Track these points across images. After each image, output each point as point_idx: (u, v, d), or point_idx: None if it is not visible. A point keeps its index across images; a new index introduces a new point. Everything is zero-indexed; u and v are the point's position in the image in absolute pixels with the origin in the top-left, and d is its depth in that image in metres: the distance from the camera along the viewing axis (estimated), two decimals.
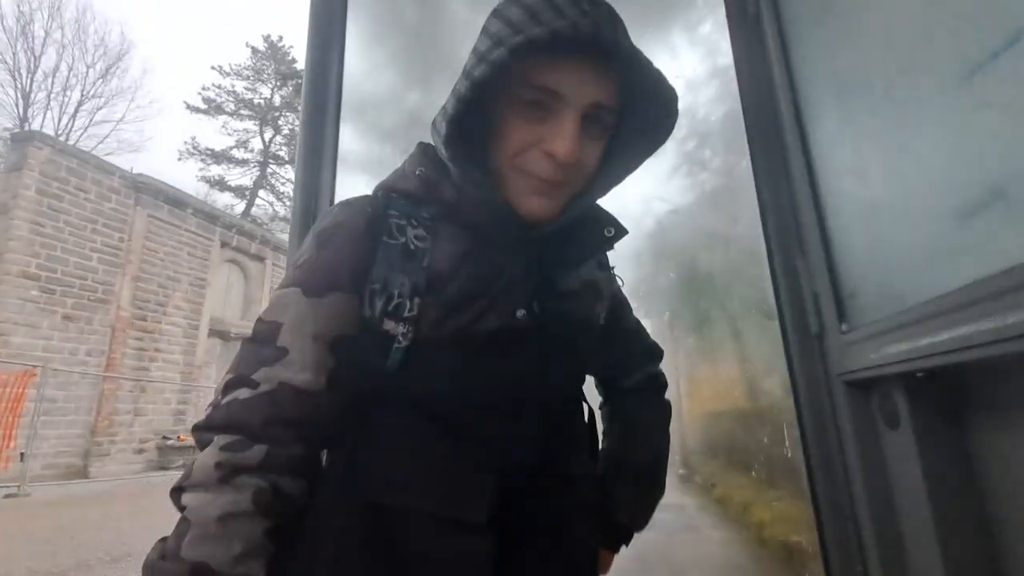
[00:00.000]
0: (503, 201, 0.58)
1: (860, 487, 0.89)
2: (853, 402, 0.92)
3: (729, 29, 1.25)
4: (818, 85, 1.02)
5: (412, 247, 0.58)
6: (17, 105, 17.33)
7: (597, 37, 0.50)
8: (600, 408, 0.85)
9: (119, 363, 10.05)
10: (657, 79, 0.55)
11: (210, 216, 12.51)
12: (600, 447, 0.81)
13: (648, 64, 0.54)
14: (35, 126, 16.77)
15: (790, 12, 1.11)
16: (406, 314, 0.56)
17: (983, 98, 0.64)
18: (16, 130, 14.06)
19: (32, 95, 17.55)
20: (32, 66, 17.55)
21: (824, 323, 0.98)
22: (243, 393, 0.52)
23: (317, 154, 1.27)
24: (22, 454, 7.43)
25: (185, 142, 23.90)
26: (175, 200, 11.58)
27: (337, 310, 0.56)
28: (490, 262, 0.59)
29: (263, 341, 0.55)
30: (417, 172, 0.62)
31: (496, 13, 0.57)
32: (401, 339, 0.56)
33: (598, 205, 0.67)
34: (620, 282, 0.81)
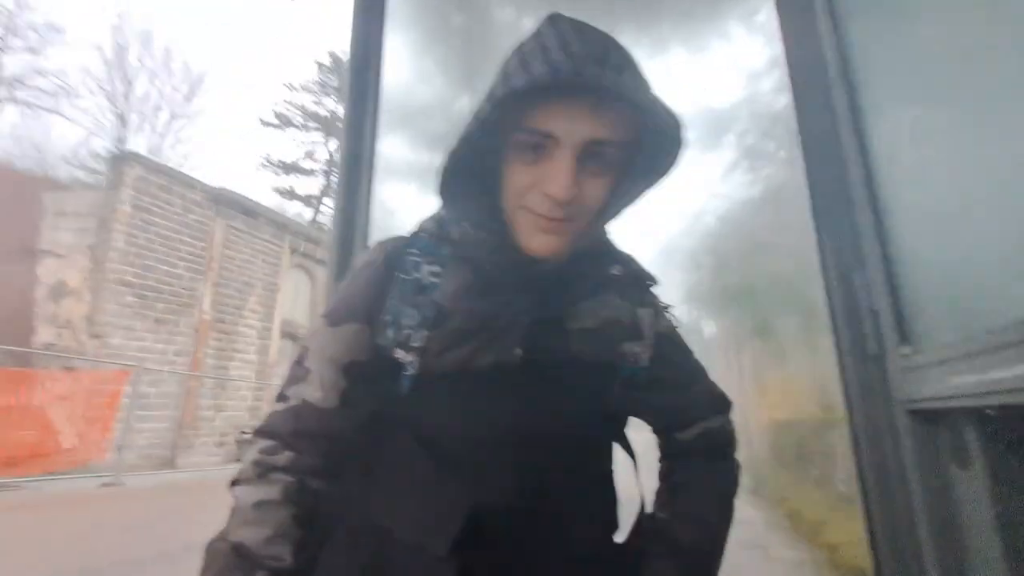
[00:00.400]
0: (509, 239, 0.61)
1: (926, 532, 0.79)
2: (917, 435, 0.82)
3: (780, 21, 1.15)
4: (878, 80, 0.92)
5: (425, 282, 0.63)
6: (115, 127, 19.23)
7: (578, 79, 0.51)
8: (659, 463, 0.77)
9: (202, 362, 10.89)
10: (657, 110, 0.54)
11: (281, 225, 13.30)
12: (648, 508, 0.73)
13: (644, 96, 0.54)
14: (130, 146, 18.53)
15: (846, 1, 1.01)
16: (414, 344, 0.60)
17: None
18: (114, 150, 15.58)
19: (127, 118, 19.41)
20: (127, 91, 19.41)
21: (884, 344, 0.88)
22: (279, 406, 0.62)
23: (356, 166, 1.31)
24: (118, 446, 8.21)
25: (260, 156, 25.54)
26: (250, 210, 12.40)
27: (350, 338, 0.62)
28: (492, 299, 0.61)
29: (297, 362, 0.63)
30: (437, 211, 0.68)
31: (507, 57, 0.59)
32: (409, 368, 0.60)
33: (611, 243, 0.69)
34: (673, 321, 0.75)
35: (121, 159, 10.28)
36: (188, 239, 11.02)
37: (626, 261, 0.69)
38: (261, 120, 23.71)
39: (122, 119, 19.25)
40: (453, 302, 0.61)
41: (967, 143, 0.71)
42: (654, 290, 0.73)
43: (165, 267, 10.50)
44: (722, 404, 0.75)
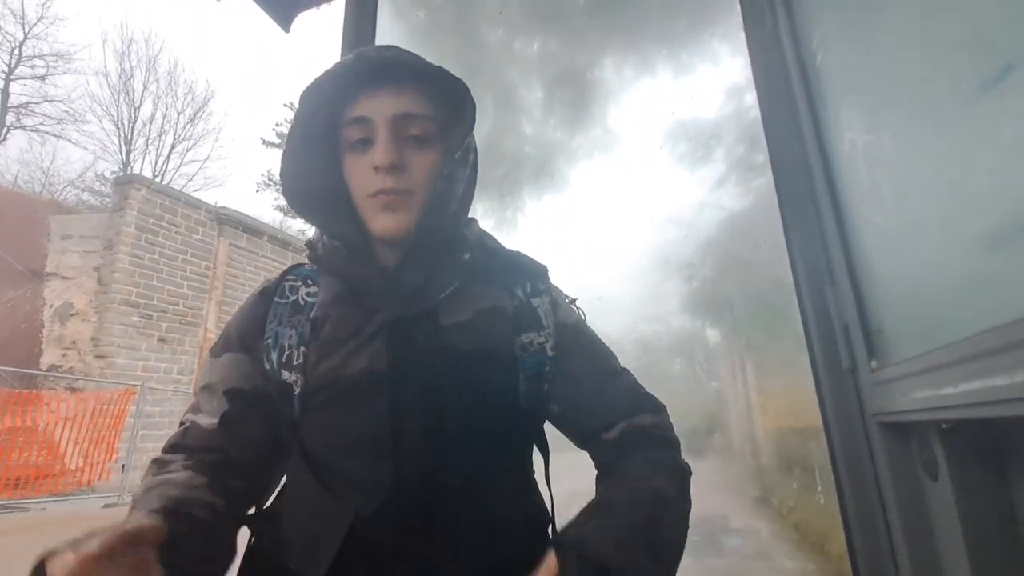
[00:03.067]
0: (365, 242, 0.66)
1: (901, 540, 0.80)
2: (890, 447, 0.84)
3: (747, 41, 1.19)
4: (839, 100, 0.95)
5: (301, 302, 0.67)
6: (120, 151, 19.51)
7: (362, 62, 0.62)
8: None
9: None
10: (442, 77, 0.64)
11: (283, 242, 13.40)
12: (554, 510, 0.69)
13: (429, 65, 0.64)
14: (135, 168, 18.80)
15: (807, 23, 1.05)
16: (296, 363, 0.63)
17: (1019, 108, 0.57)
18: (119, 173, 15.80)
19: (133, 141, 19.70)
20: (132, 116, 19.73)
21: (855, 358, 0.90)
22: (177, 428, 0.67)
23: None
24: (123, 466, 8.21)
25: (262, 174, 25.81)
26: (252, 229, 12.51)
27: (228, 367, 0.66)
28: (359, 305, 0.64)
29: (195, 395, 0.68)
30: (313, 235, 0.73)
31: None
32: (295, 387, 0.62)
33: (468, 230, 0.70)
34: (579, 315, 0.73)
35: (126, 181, 10.42)
36: (192, 258, 11.11)
37: (502, 258, 0.72)
38: (263, 140, 23.99)
39: (128, 143, 19.54)
40: (323, 313, 0.65)
41: (925, 162, 0.74)
42: (546, 282, 0.73)
43: (169, 287, 10.58)
44: (649, 403, 0.69)
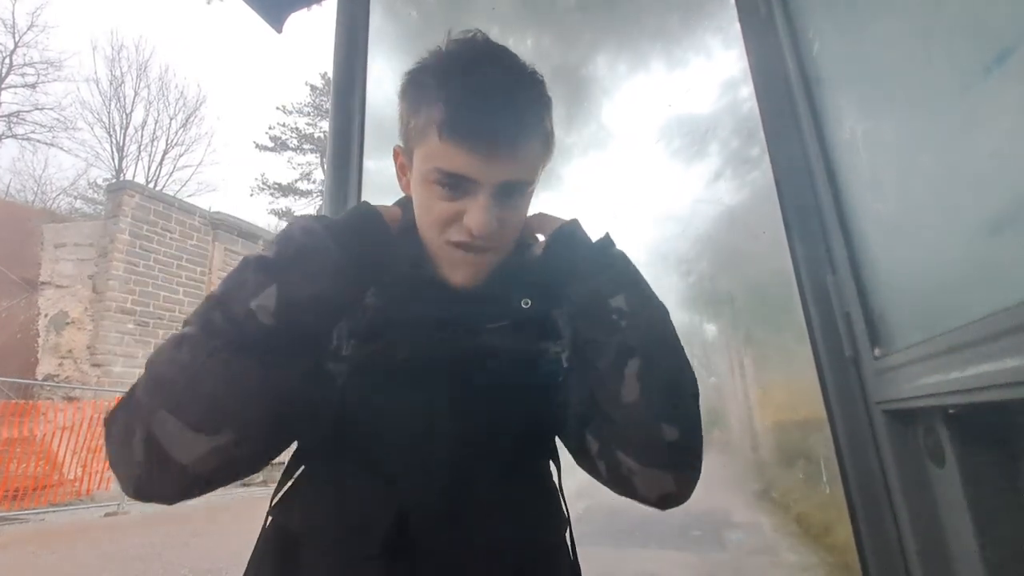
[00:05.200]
0: (428, 267, 0.64)
1: (908, 528, 0.80)
2: (895, 434, 0.83)
3: (742, 32, 1.19)
4: (836, 87, 0.95)
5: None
6: (113, 157, 19.41)
7: (481, 123, 0.56)
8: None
9: None
10: (551, 135, 0.64)
11: None
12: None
13: (542, 124, 0.61)
14: (128, 175, 18.70)
15: (803, 12, 1.05)
16: (344, 353, 0.60)
17: (1019, 90, 0.57)
18: (112, 180, 15.71)
19: (125, 147, 19.61)
20: (124, 122, 19.65)
21: (858, 347, 0.90)
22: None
23: (343, 185, 1.36)
24: None
25: (255, 178, 25.76)
26: (247, 233, 12.48)
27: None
28: (405, 299, 0.63)
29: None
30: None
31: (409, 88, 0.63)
32: (339, 378, 0.60)
33: (522, 279, 0.66)
34: None
35: (119, 188, 10.36)
36: (187, 264, 11.07)
37: (542, 293, 0.67)
38: (256, 144, 23.92)
39: (120, 149, 19.45)
40: (371, 300, 0.61)
41: (922, 148, 0.73)
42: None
43: (165, 293, 10.54)
44: None
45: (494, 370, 0.61)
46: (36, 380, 8.53)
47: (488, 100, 0.56)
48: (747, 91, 1.23)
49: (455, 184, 0.58)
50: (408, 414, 0.59)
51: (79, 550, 5.56)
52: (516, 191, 0.60)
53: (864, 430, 0.89)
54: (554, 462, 0.70)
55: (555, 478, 0.70)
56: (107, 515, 7.53)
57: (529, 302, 0.65)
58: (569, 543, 0.68)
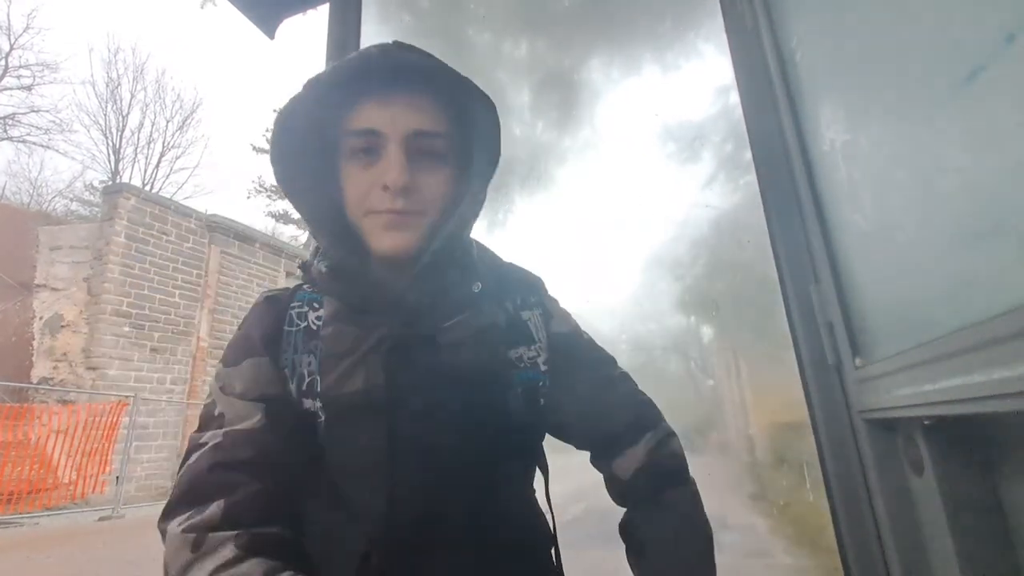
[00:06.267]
0: (364, 265, 0.62)
1: (889, 536, 0.81)
2: (876, 443, 0.84)
3: (728, 40, 1.20)
4: (818, 97, 0.96)
5: (313, 327, 0.62)
6: (109, 160, 19.37)
7: (368, 66, 0.57)
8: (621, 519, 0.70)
9: (199, 390, 10.82)
10: (471, 93, 0.60)
11: (275, 249, 13.35)
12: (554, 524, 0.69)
13: (441, 69, 0.59)
14: (125, 177, 18.67)
15: (787, 22, 1.05)
16: (317, 389, 0.59)
17: (995, 101, 0.57)
18: (108, 183, 15.68)
19: (121, 150, 19.57)
20: (120, 124, 19.62)
21: (840, 356, 0.91)
22: (192, 458, 0.55)
23: None
24: (117, 478, 8.13)
25: (252, 181, 25.73)
26: (244, 236, 12.45)
27: (253, 372, 0.60)
28: (358, 323, 0.61)
29: (205, 419, 0.59)
30: (308, 258, 0.69)
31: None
32: (320, 414, 0.59)
33: (472, 259, 0.67)
34: (573, 322, 0.72)
35: (115, 191, 10.33)
36: (183, 267, 11.03)
37: (497, 273, 0.68)
38: (253, 146, 23.90)
39: (116, 151, 19.41)
40: (325, 331, 0.61)
41: (905, 158, 0.74)
42: (538, 292, 0.71)
43: (161, 296, 10.50)
44: (650, 416, 0.70)
45: (460, 390, 0.59)
46: (31, 383, 8.49)
47: (385, 57, 0.58)
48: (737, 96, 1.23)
49: (368, 147, 0.59)
50: (369, 447, 0.57)
51: (73, 554, 5.53)
52: (428, 146, 0.59)
53: (847, 438, 0.90)
54: (540, 468, 0.69)
55: (543, 483, 0.69)
56: (101, 519, 7.49)
57: (480, 285, 0.64)
58: (553, 555, 0.67)
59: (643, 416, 0.70)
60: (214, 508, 0.51)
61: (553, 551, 0.68)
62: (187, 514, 0.51)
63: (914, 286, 0.75)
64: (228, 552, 0.49)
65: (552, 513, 0.68)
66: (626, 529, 0.67)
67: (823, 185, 0.93)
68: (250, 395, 0.58)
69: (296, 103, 0.59)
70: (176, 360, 10.62)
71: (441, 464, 0.58)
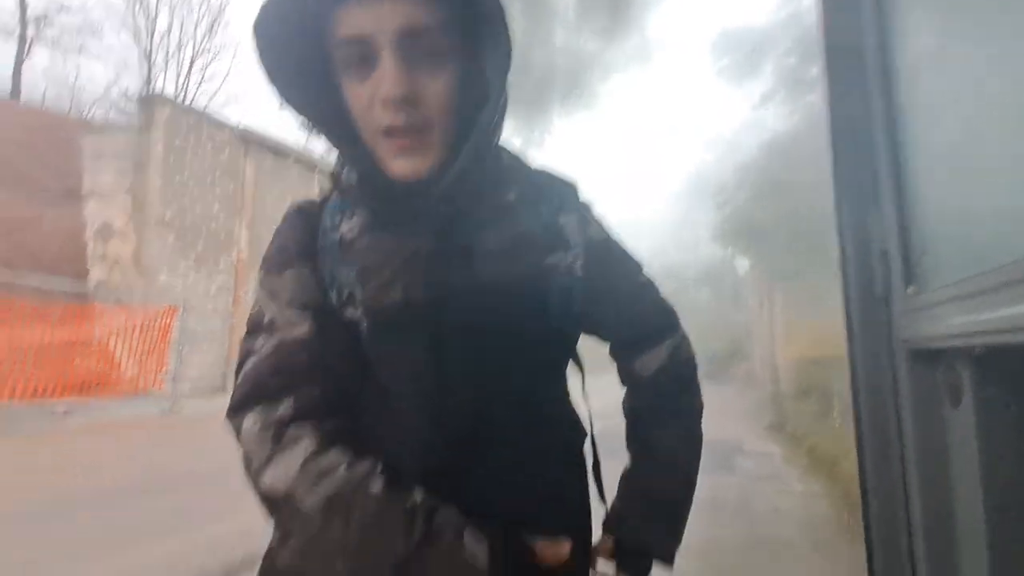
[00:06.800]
0: (383, 176, 0.57)
1: (914, 467, 0.82)
2: (915, 373, 0.82)
3: None
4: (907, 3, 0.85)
5: (348, 238, 0.61)
6: (141, 67, 19.22)
7: None
8: (623, 402, 0.75)
9: (242, 300, 11.41)
10: None
11: (309, 165, 13.36)
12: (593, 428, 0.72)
13: None
14: (158, 85, 18.59)
15: None
16: (358, 300, 0.59)
17: None
18: (143, 90, 15.65)
19: (153, 55, 19.33)
20: (150, 27, 19.22)
21: (892, 285, 0.87)
22: (249, 363, 0.56)
23: None
24: (173, 377, 8.87)
25: None
26: (279, 150, 12.46)
27: (296, 282, 0.59)
28: (393, 233, 0.59)
29: (254, 325, 0.59)
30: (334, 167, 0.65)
31: None
32: (363, 325, 0.59)
33: (510, 167, 0.65)
34: (607, 229, 0.70)
35: (150, 101, 10.35)
36: (220, 179, 11.23)
37: (530, 179, 0.65)
38: None
39: (148, 57, 19.18)
40: (360, 243, 0.60)
41: (990, 79, 0.66)
42: (576, 196, 0.69)
43: (201, 207, 10.80)
44: (673, 322, 0.74)
45: (498, 298, 0.58)
46: (89, 286, 9.09)
47: None
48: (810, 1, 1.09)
49: (360, 55, 0.52)
50: (412, 359, 0.58)
51: (142, 441, 6.19)
52: (426, 46, 0.52)
53: (884, 368, 0.88)
54: (578, 369, 0.72)
55: (580, 383, 0.71)
56: (163, 412, 8.28)
57: (513, 193, 0.62)
58: (593, 454, 0.72)
59: (667, 321, 0.74)
60: (285, 406, 0.52)
61: (591, 447, 0.72)
62: (258, 410, 0.53)
63: (980, 215, 0.70)
64: (309, 444, 0.50)
65: (589, 410, 0.70)
66: (633, 415, 0.74)
67: (901, 100, 0.85)
68: (296, 303, 0.58)
69: (271, 9, 0.52)
70: (219, 271, 11.12)
71: (484, 373, 0.58)
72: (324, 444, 0.50)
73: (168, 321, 9.09)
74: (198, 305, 10.15)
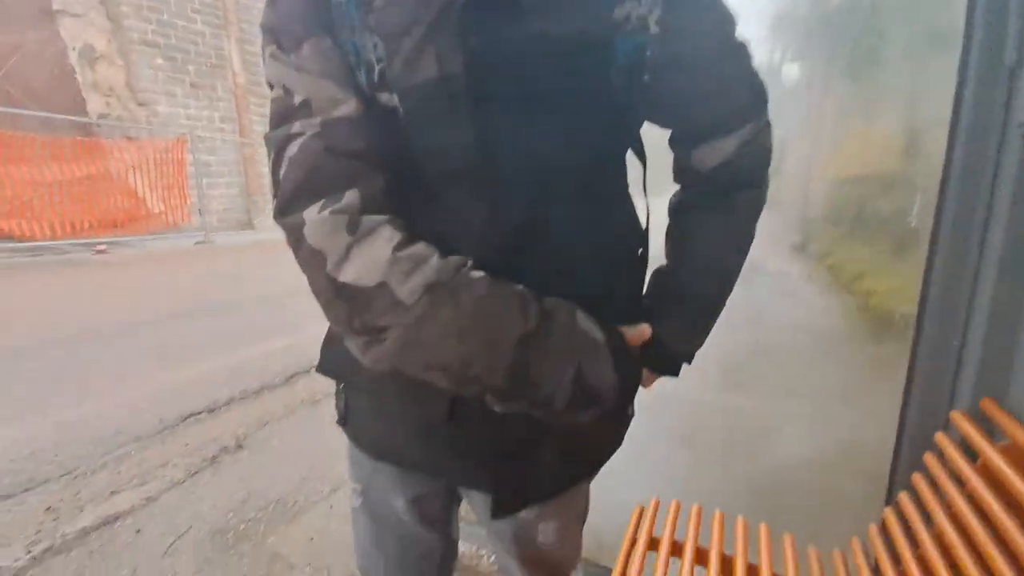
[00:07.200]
0: None
1: (997, 245, 0.80)
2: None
3: None
4: None
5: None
6: None
7: None
8: (673, 196, 0.67)
9: (248, 128, 10.99)
10: None
11: None
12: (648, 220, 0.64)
13: None
14: None
15: None
16: (389, 79, 0.48)
17: None
18: None
19: None
20: None
21: (1021, 55, 0.73)
22: (294, 147, 0.47)
23: None
24: (199, 210, 9.03)
25: None
26: None
27: (320, 54, 0.49)
28: None
29: (283, 112, 0.49)
30: None
31: None
32: (400, 108, 0.49)
33: None
34: None
35: None
36: None
37: None
38: None
39: None
40: (379, 1, 0.47)
41: None
42: None
43: (183, 22, 9.76)
44: (760, 99, 0.59)
45: (555, 64, 0.48)
46: (90, 119, 8.74)
47: None
48: None
49: None
50: (457, 144, 0.49)
51: (180, 271, 6.56)
52: None
53: (990, 149, 0.80)
54: (638, 156, 0.62)
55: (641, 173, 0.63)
56: (197, 243, 8.63)
57: None
58: (641, 253, 0.65)
59: (753, 100, 0.59)
60: (351, 196, 0.46)
61: (641, 250, 0.65)
62: (321, 202, 0.46)
63: None
64: (392, 233, 0.45)
65: (648, 205, 0.63)
66: (678, 212, 0.67)
67: None
68: (333, 76, 0.48)
69: None
70: (218, 97, 10.50)
71: (536, 157, 0.50)
72: (406, 236, 0.46)
73: (180, 155, 8.92)
74: (205, 136, 9.86)
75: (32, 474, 2.05)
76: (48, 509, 1.84)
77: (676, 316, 0.64)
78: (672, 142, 0.64)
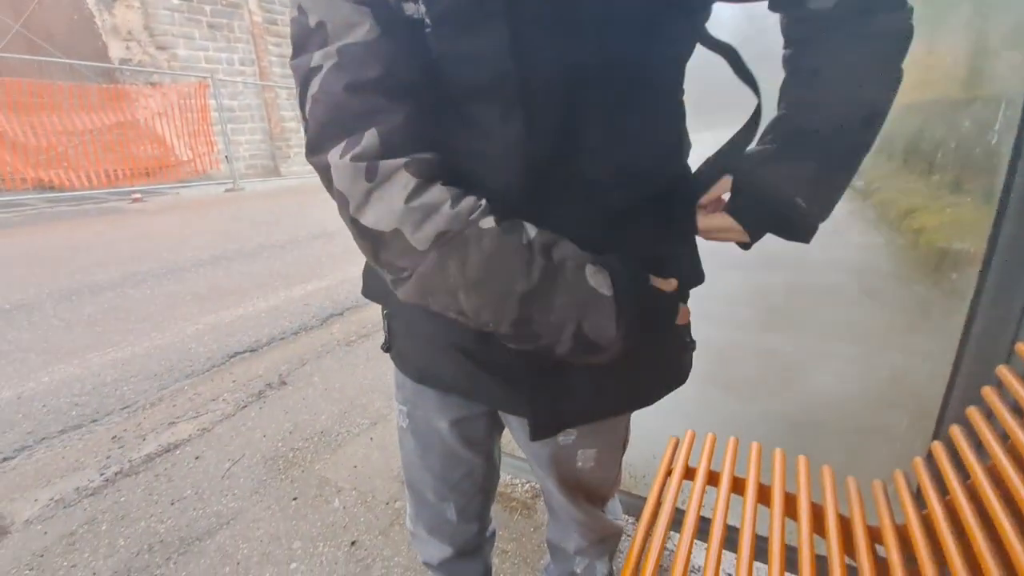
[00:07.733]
0: None
1: None
2: None
3: None
4: None
5: None
6: None
7: None
8: (783, 53, 0.58)
9: (268, 71, 10.79)
10: None
11: None
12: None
13: None
14: None
15: None
16: None
17: None
18: None
19: None
20: None
21: None
22: (314, 87, 0.46)
23: None
24: (226, 156, 9.08)
25: None
26: None
27: None
28: None
29: (301, 37, 0.47)
30: None
31: None
32: (427, 21, 0.46)
33: None
34: None
35: None
36: None
37: None
38: None
39: None
40: None
41: None
42: None
43: None
44: None
45: None
46: (113, 65, 8.70)
47: None
48: None
49: None
50: (491, 59, 0.46)
51: (216, 216, 6.69)
52: None
53: None
54: (723, 53, 0.56)
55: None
56: (227, 190, 8.74)
57: None
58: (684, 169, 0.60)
59: None
60: (369, 137, 0.44)
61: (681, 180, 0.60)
62: (342, 145, 0.45)
63: None
64: (407, 180, 0.44)
65: (756, 95, 0.56)
66: (798, 56, 0.56)
67: None
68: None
69: None
70: (236, 39, 10.28)
71: (576, 70, 0.47)
72: (423, 179, 0.45)
73: (203, 100, 8.88)
74: (227, 80, 9.74)
75: (97, 407, 2.21)
76: (114, 438, 1.99)
77: (807, 160, 0.54)
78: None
